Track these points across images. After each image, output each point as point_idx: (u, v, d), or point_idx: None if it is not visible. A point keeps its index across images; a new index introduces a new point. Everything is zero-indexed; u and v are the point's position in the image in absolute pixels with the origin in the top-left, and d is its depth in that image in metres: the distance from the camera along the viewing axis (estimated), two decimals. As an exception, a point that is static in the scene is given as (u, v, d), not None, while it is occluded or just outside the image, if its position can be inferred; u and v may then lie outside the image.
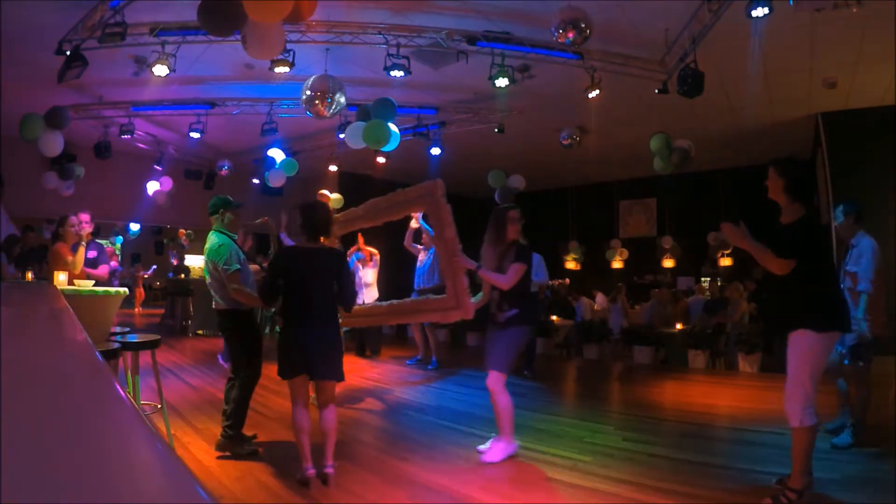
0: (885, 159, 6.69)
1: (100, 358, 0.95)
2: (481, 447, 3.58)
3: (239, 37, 4.24)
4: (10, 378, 0.66)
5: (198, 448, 3.60)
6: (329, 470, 3.06)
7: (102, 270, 4.96)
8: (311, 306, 3.06)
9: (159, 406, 3.76)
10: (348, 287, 3.23)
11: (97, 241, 5.28)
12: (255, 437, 3.70)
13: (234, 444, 3.51)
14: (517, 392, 5.46)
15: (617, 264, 12.61)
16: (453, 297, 3.38)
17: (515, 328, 3.52)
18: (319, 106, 5.45)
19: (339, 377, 3.19)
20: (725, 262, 11.06)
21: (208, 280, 3.64)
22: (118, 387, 0.73)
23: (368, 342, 8.12)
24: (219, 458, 3.43)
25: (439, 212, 3.38)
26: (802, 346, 2.73)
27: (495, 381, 3.51)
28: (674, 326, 7.76)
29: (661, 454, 3.59)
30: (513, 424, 3.56)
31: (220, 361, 6.45)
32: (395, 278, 9.87)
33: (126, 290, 4.08)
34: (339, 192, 10.57)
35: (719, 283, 9.83)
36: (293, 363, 3.06)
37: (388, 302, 4.05)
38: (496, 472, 3.29)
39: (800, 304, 2.81)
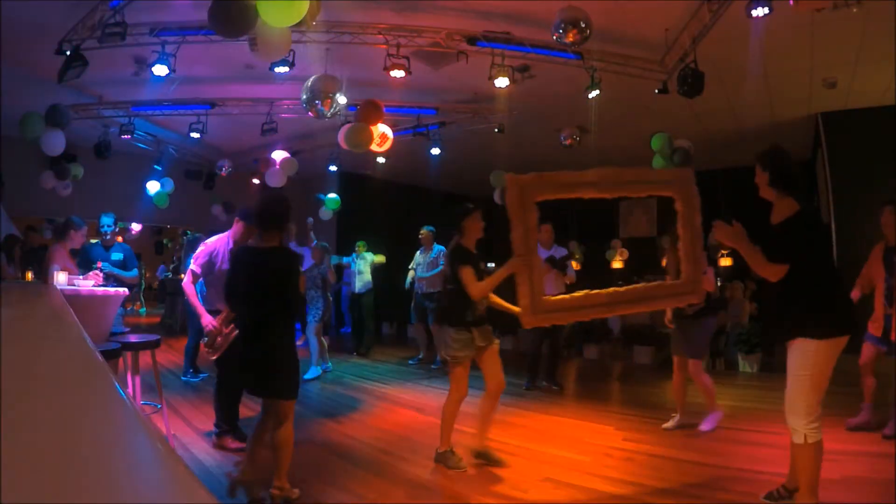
0: (885, 159, 6.69)
1: (100, 358, 0.95)
2: (667, 426, 4.16)
3: (241, 37, 4.26)
4: (10, 378, 0.66)
5: (198, 448, 3.61)
6: (270, 492, 2.73)
7: (133, 274, 4.96)
8: (252, 313, 2.81)
9: (159, 406, 3.76)
10: (291, 292, 2.81)
11: (121, 243, 5.26)
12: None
13: (223, 439, 3.62)
14: (517, 393, 5.47)
15: (617, 264, 12.61)
16: (690, 282, 3.35)
17: (706, 318, 4.06)
18: (320, 106, 5.45)
19: (283, 395, 2.81)
20: (725, 262, 11.05)
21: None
22: (118, 387, 0.73)
23: (363, 340, 8.12)
24: (218, 457, 3.44)
25: (691, 199, 3.33)
26: (802, 356, 2.49)
27: (697, 368, 4.06)
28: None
29: (661, 454, 3.59)
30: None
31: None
32: (394, 278, 9.88)
33: (126, 290, 4.08)
34: (339, 192, 10.58)
35: (719, 284, 9.82)
36: (240, 376, 2.90)
37: (609, 290, 3.42)
38: (496, 472, 3.29)
39: (797, 309, 2.56)
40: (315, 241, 6.56)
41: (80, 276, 4.09)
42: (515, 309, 3.18)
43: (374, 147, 6.54)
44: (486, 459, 3.42)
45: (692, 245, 3.37)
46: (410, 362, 7.32)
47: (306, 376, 6.09)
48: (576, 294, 3.24)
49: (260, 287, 2.82)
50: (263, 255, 2.87)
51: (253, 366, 2.79)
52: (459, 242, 3.48)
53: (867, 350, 4.03)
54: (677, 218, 3.34)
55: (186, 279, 3.67)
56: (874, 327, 3.94)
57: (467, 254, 3.42)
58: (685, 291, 3.36)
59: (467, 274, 3.28)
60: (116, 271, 4.70)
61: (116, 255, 5.02)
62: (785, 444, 3.75)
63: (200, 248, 3.75)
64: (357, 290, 8.05)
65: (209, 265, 3.63)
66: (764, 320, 5.70)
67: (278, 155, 8.54)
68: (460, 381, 3.46)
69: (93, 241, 5.20)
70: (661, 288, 3.49)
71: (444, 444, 3.40)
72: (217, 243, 3.70)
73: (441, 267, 7.12)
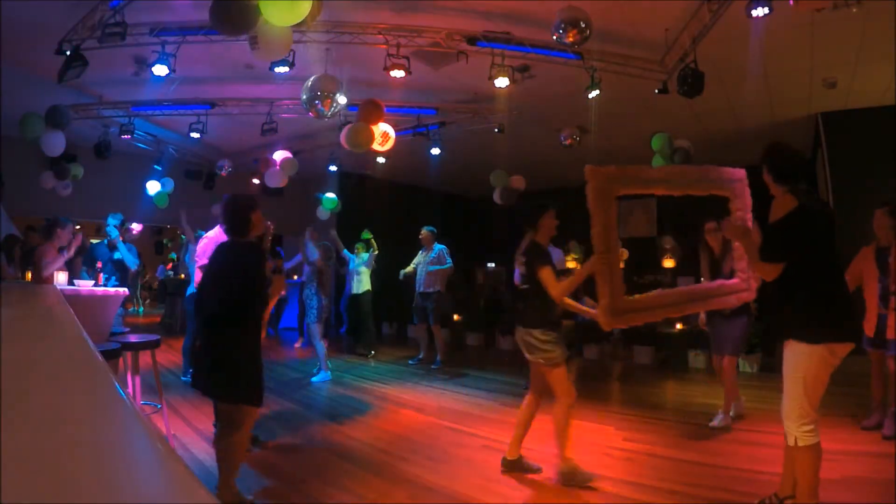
0: (885, 159, 6.69)
1: (100, 358, 0.95)
2: (712, 423, 4.23)
3: (241, 37, 4.26)
4: (10, 378, 0.66)
5: (198, 448, 3.61)
6: None
7: (136, 263, 5.13)
8: (208, 308, 2.68)
9: (159, 406, 3.76)
10: (246, 287, 2.65)
11: (124, 243, 5.39)
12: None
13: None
14: (517, 392, 5.47)
15: (617, 264, 12.61)
16: (746, 280, 3.35)
17: (739, 317, 4.16)
18: (320, 106, 5.45)
19: (235, 399, 2.64)
20: (725, 262, 11.07)
21: None
22: (118, 387, 0.73)
23: (361, 341, 8.11)
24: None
25: (745, 199, 3.37)
26: (794, 359, 2.41)
27: (730, 364, 4.23)
28: (674, 326, 7.76)
29: (661, 454, 3.59)
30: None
31: None
32: (395, 278, 9.88)
33: (126, 289, 4.09)
34: (339, 192, 10.58)
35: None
36: (192, 378, 2.75)
37: (677, 289, 3.54)
38: (496, 472, 3.29)
39: (791, 310, 2.46)
40: (309, 245, 6.54)
41: (84, 277, 4.11)
42: (588, 311, 3.16)
43: (376, 146, 6.54)
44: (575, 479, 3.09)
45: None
46: (410, 362, 7.32)
47: (314, 379, 6.10)
48: (650, 294, 3.19)
49: (216, 282, 2.70)
50: (222, 249, 2.80)
51: (201, 364, 2.65)
52: (535, 240, 3.32)
53: (871, 352, 4.03)
54: (731, 216, 3.29)
55: (197, 276, 3.65)
56: (867, 327, 3.93)
57: (545, 253, 3.25)
58: (742, 289, 3.37)
59: (548, 274, 3.12)
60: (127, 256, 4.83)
61: (117, 256, 5.09)
62: (782, 444, 3.77)
63: (203, 242, 3.75)
64: (354, 292, 8.04)
65: None
66: (764, 320, 5.70)
67: (279, 155, 8.54)
68: (564, 382, 3.15)
69: (93, 240, 5.24)
70: (723, 287, 3.49)
71: (564, 461, 3.10)
72: (218, 234, 3.69)
73: (449, 265, 7.13)
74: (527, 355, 3.21)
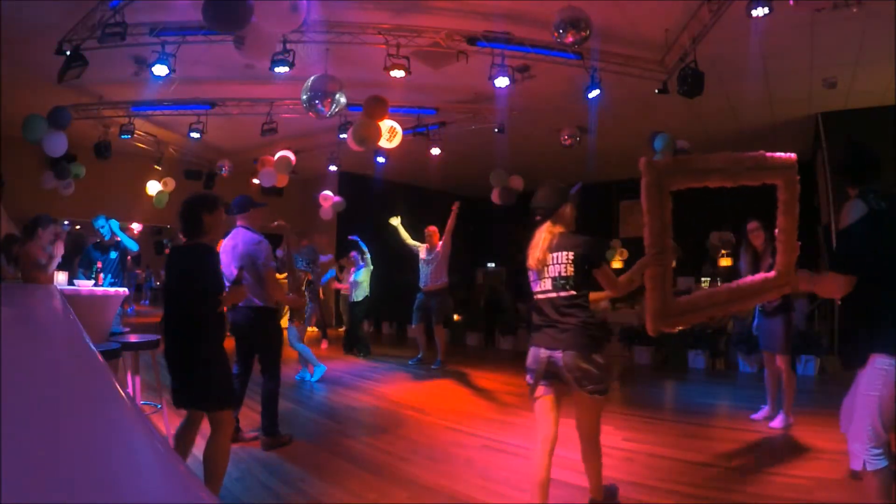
0: (885, 159, 6.67)
1: (100, 358, 0.95)
2: (754, 416, 4.33)
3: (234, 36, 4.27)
4: (10, 378, 0.66)
5: (198, 448, 3.60)
6: None
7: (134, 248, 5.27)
8: (169, 315, 2.61)
9: (159, 406, 3.76)
10: (200, 290, 2.55)
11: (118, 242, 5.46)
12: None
13: (279, 437, 3.69)
14: (516, 393, 5.47)
15: (617, 264, 12.60)
16: (786, 273, 3.27)
17: (780, 315, 4.15)
18: (319, 106, 5.45)
19: (207, 406, 2.61)
20: (725, 262, 11.06)
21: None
22: (118, 387, 0.73)
23: (358, 342, 8.10)
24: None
25: (794, 187, 3.19)
26: (872, 373, 2.16)
27: (784, 363, 4.14)
28: (674, 326, 7.75)
29: (661, 454, 3.59)
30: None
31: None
32: (395, 278, 9.87)
33: (126, 290, 4.09)
34: (339, 192, 10.58)
35: (720, 284, 9.83)
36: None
37: (725, 287, 3.36)
38: (496, 472, 3.29)
39: (873, 321, 2.19)
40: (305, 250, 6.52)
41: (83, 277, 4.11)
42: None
43: (384, 142, 6.49)
44: None
45: (790, 235, 3.26)
46: (410, 363, 7.32)
47: (312, 378, 6.11)
48: (697, 294, 3.04)
49: (172, 286, 2.66)
50: (174, 253, 2.76)
51: (170, 373, 2.59)
52: (565, 232, 2.76)
53: None
54: (778, 206, 3.17)
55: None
56: None
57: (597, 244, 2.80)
58: (782, 284, 3.30)
59: (608, 270, 2.67)
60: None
61: (113, 255, 5.12)
62: (782, 444, 3.76)
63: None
64: (352, 300, 8.04)
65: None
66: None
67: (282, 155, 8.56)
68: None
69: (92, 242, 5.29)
70: (767, 282, 3.39)
71: (597, 493, 2.75)
72: (228, 240, 3.71)
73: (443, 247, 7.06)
74: (579, 390, 2.45)
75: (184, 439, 2.76)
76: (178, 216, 2.66)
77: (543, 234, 2.51)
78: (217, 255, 2.68)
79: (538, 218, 2.58)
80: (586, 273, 2.44)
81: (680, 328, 2.91)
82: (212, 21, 3.93)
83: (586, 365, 2.39)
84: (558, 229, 2.52)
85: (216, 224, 2.67)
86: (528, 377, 2.52)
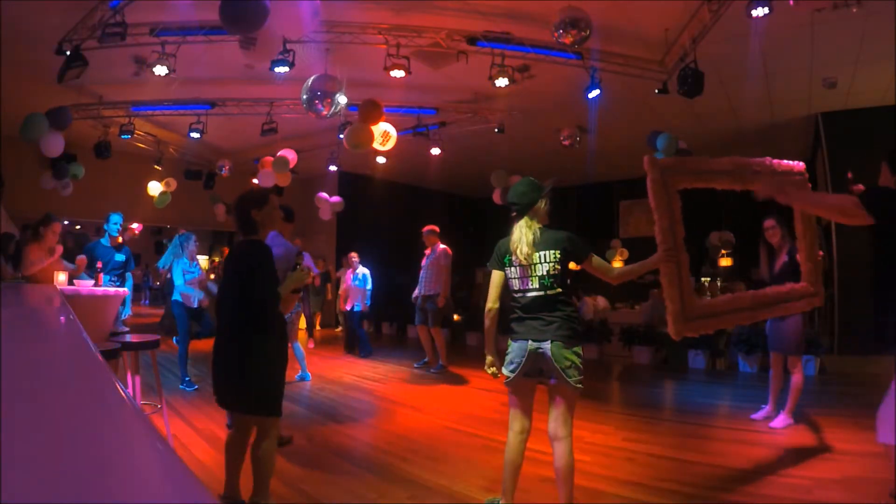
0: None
1: (100, 358, 0.95)
2: (755, 415, 4.35)
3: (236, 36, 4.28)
4: (11, 378, 0.66)
5: (198, 448, 3.60)
6: None
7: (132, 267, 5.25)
8: (220, 313, 2.57)
9: (159, 406, 3.76)
10: (258, 289, 2.47)
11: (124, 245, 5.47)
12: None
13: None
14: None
15: (617, 264, 12.58)
16: (814, 283, 3.25)
17: (792, 316, 4.02)
18: (319, 106, 5.45)
19: (251, 409, 2.51)
20: (725, 262, 11.06)
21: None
22: (118, 387, 0.73)
23: (358, 342, 8.09)
24: (218, 457, 3.43)
25: (806, 196, 3.16)
26: None
27: (794, 364, 4.15)
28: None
29: (661, 454, 3.59)
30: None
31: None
32: (395, 279, 9.87)
33: (126, 290, 4.09)
34: (339, 192, 10.58)
35: (719, 283, 9.83)
36: (213, 387, 2.60)
37: (751, 293, 3.29)
38: (496, 472, 3.29)
39: None
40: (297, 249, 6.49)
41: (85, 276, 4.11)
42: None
43: (377, 145, 6.53)
44: None
45: (811, 244, 3.27)
46: (416, 365, 7.27)
47: (297, 377, 6.08)
48: (721, 298, 2.99)
49: (226, 285, 2.60)
50: (235, 248, 2.69)
51: (215, 372, 2.53)
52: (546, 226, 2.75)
53: None
54: (794, 214, 3.14)
55: None
56: None
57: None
58: (811, 294, 3.31)
59: (599, 259, 2.67)
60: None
61: (120, 257, 5.11)
62: (782, 444, 3.76)
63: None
64: (348, 308, 8.02)
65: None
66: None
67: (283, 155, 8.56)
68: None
69: (94, 240, 5.27)
70: (793, 292, 3.39)
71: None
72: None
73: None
74: (566, 380, 2.36)
75: (238, 447, 2.63)
76: (235, 216, 2.67)
77: (524, 230, 2.52)
78: (269, 250, 2.64)
79: (514, 214, 2.60)
80: (569, 271, 2.47)
81: (703, 333, 2.83)
82: (229, 22, 3.92)
83: (573, 355, 2.40)
84: (536, 224, 2.53)
85: (268, 219, 2.67)
86: (506, 370, 2.50)
